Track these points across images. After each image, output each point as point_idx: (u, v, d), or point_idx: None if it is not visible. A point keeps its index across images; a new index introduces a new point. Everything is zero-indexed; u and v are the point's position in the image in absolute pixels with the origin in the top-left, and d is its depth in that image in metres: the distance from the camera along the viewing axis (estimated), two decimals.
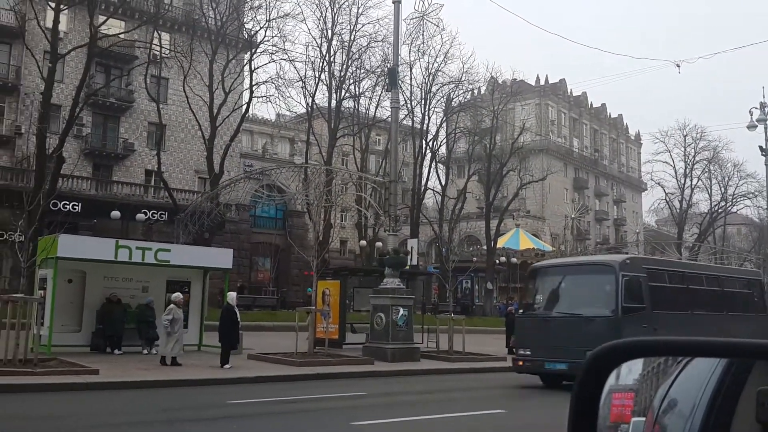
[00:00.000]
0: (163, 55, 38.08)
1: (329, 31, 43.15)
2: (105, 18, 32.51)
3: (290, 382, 14.17)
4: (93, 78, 38.18)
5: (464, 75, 47.12)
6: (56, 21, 28.97)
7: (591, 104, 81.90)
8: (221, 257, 20.17)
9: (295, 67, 66.30)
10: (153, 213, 38.68)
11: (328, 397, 12.52)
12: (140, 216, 36.81)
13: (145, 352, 17.10)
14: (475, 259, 47.91)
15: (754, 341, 1.41)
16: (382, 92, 44.29)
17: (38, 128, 29.39)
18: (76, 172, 37.73)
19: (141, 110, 42.99)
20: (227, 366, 14.81)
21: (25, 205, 17.60)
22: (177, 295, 15.72)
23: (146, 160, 42.84)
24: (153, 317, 17.26)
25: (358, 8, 43.31)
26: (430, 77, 46.28)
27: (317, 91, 43.76)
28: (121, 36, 36.25)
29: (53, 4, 29.56)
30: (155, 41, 36.54)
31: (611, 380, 1.56)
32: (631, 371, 1.63)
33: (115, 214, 35.06)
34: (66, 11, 33.93)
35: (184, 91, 35.83)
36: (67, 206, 35.34)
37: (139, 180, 42.42)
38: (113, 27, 36.04)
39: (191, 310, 18.50)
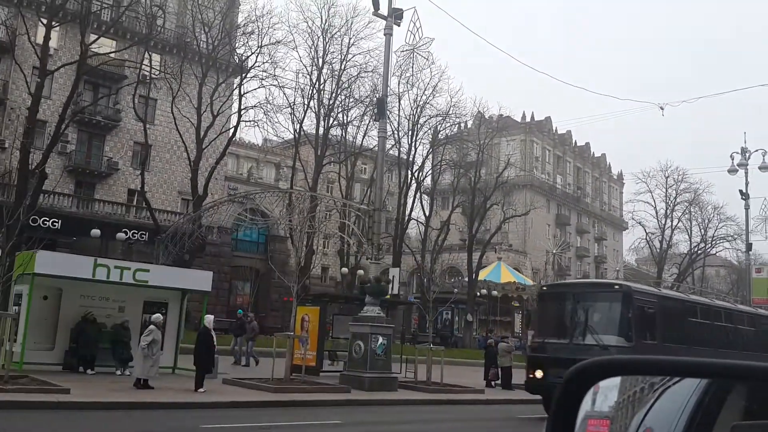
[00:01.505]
0: (153, 76, 38.15)
1: (320, 60, 43.61)
2: (96, 36, 32.55)
3: (265, 408, 13.98)
4: (81, 95, 38.09)
5: (452, 108, 47.72)
6: (47, 37, 28.97)
7: (575, 143, 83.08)
8: (200, 279, 19.98)
9: (284, 93, 66.54)
10: (134, 233, 38.32)
11: (302, 424, 12.36)
12: (120, 235, 36.44)
13: (119, 372, 16.80)
14: (456, 290, 47.82)
15: (737, 362, 1.44)
16: (370, 122, 44.66)
17: (22, 143, 29.16)
18: (58, 189, 37.37)
19: (127, 129, 42.88)
20: (201, 390, 14.59)
21: (5, 220, 17.38)
22: (157, 317, 15.52)
23: (130, 179, 42.61)
24: (128, 338, 16.99)
25: (350, 39, 43.87)
26: (418, 109, 46.79)
27: (305, 118, 44.05)
28: (112, 55, 36.31)
29: (45, 21, 29.60)
30: (145, 62, 36.62)
31: (587, 406, 1.56)
32: (607, 398, 1.64)
33: (95, 232, 34.69)
34: (57, 28, 33.96)
35: (172, 113, 35.83)
36: (47, 222, 34.95)
37: (121, 199, 42.11)
38: (104, 46, 36.10)
39: (167, 332, 18.21)
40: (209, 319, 15.85)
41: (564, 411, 1.45)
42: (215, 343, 15.80)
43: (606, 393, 1.56)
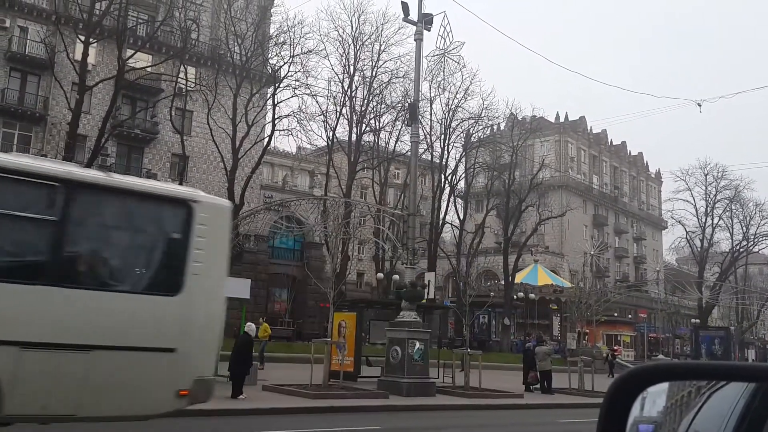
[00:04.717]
0: (189, 88, 38.86)
1: (351, 67, 43.86)
2: (133, 52, 33.31)
3: (304, 414, 14.07)
4: (119, 109, 39.00)
5: (484, 111, 47.54)
6: (85, 54, 29.81)
7: (611, 142, 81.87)
8: (239, 287, 20.12)
9: (317, 102, 67.18)
10: None
11: (341, 430, 12.41)
12: None
13: None
14: (492, 294, 47.46)
15: None
16: (402, 127, 44.72)
17: (64, 158, 29.99)
18: None
19: (165, 141, 43.72)
20: (242, 397, 14.75)
21: None
22: None
23: None
24: None
25: (380, 45, 44.07)
26: (450, 113, 46.73)
27: (338, 125, 44.34)
28: (148, 69, 37.11)
29: (83, 38, 30.43)
30: (181, 75, 37.34)
31: (635, 411, 1.56)
32: (655, 403, 1.63)
33: None
34: (95, 44, 34.82)
35: (208, 124, 36.47)
36: None
37: None
38: (140, 60, 36.90)
39: None
40: (251, 327, 16.01)
41: (613, 417, 1.45)
42: (252, 350, 15.96)
43: (654, 398, 1.55)
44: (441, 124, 47.20)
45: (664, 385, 1.57)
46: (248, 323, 16.42)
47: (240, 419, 12.92)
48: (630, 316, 63.35)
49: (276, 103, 39.27)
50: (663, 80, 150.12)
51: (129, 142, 43.00)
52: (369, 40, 44.00)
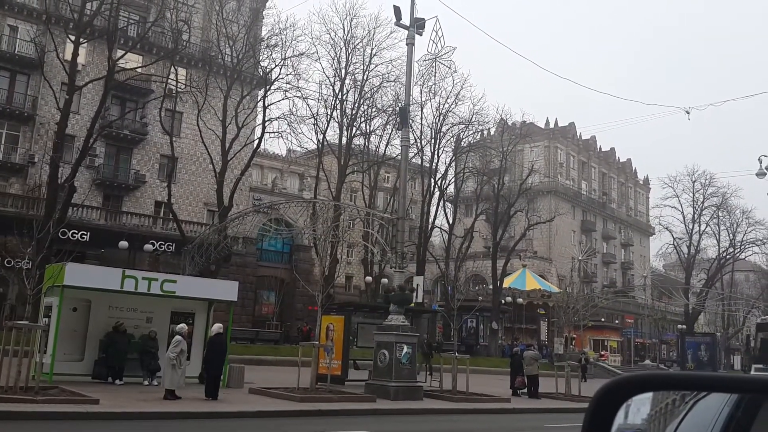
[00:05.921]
0: (179, 89, 38.68)
1: (343, 71, 43.83)
2: (124, 52, 33.14)
3: (291, 417, 14.02)
4: (108, 110, 38.74)
5: (474, 116, 47.64)
6: (75, 54, 29.60)
7: (600, 148, 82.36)
8: (226, 289, 20.10)
9: (307, 105, 67.33)
10: (161, 244, 38.79)
11: None
12: (148, 247, 36.92)
13: (146, 383, 16.95)
14: (480, 298, 47.64)
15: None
16: (392, 131, 44.75)
17: (51, 157, 29.80)
18: (86, 202, 38.01)
19: (154, 143, 43.49)
20: (219, 398, 14.73)
21: (35, 233, 17.72)
22: (182, 327, 15.62)
23: (156, 191, 43.16)
24: (156, 348, 17.15)
25: (372, 49, 44.09)
26: (441, 117, 46.77)
27: (328, 128, 44.26)
28: (138, 70, 36.92)
29: (73, 37, 30.24)
30: (171, 76, 37.16)
31: (620, 419, 1.56)
32: (639, 411, 1.63)
33: (123, 244, 35.19)
34: (85, 44, 34.59)
35: (198, 125, 36.32)
36: (76, 235, 35.51)
37: (148, 211, 42.66)
38: (131, 61, 36.73)
39: (194, 342, 18.34)
40: (220, 326, 15.94)
41: (597, 424, 1.45)
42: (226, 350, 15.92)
43: (639, 406, 1.55)
44: (431, 129, 47.29)
45: (649, 394, 1.57)
46: (217, 324, 16.30)
47: (226, 422, 12.86)
48: (617, 321, 63.67)
49: (266, 105, 39.20)
50: (653, 88, 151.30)
51: (118, 143, 42.73)
52: (361, 44, 44.07)
